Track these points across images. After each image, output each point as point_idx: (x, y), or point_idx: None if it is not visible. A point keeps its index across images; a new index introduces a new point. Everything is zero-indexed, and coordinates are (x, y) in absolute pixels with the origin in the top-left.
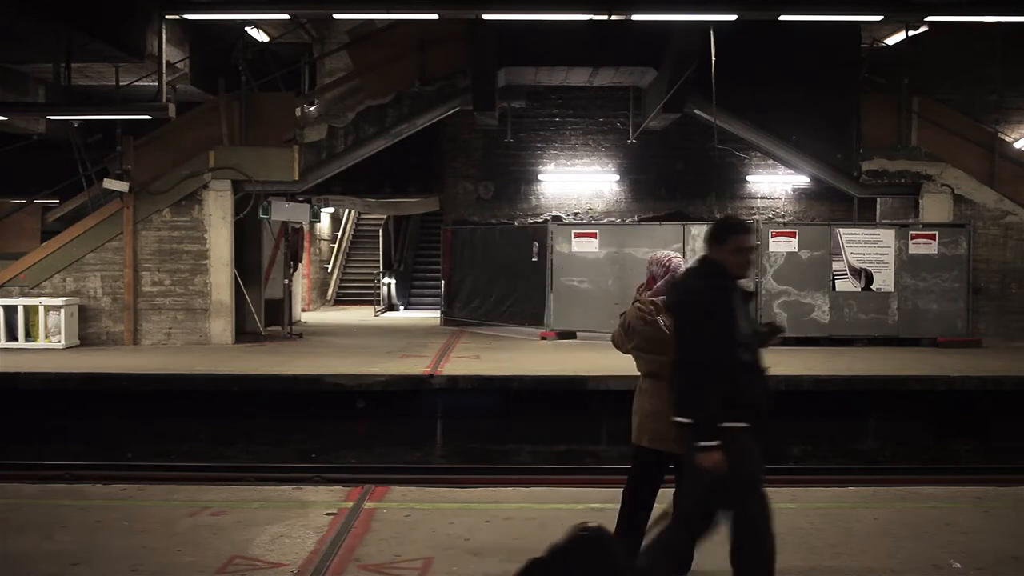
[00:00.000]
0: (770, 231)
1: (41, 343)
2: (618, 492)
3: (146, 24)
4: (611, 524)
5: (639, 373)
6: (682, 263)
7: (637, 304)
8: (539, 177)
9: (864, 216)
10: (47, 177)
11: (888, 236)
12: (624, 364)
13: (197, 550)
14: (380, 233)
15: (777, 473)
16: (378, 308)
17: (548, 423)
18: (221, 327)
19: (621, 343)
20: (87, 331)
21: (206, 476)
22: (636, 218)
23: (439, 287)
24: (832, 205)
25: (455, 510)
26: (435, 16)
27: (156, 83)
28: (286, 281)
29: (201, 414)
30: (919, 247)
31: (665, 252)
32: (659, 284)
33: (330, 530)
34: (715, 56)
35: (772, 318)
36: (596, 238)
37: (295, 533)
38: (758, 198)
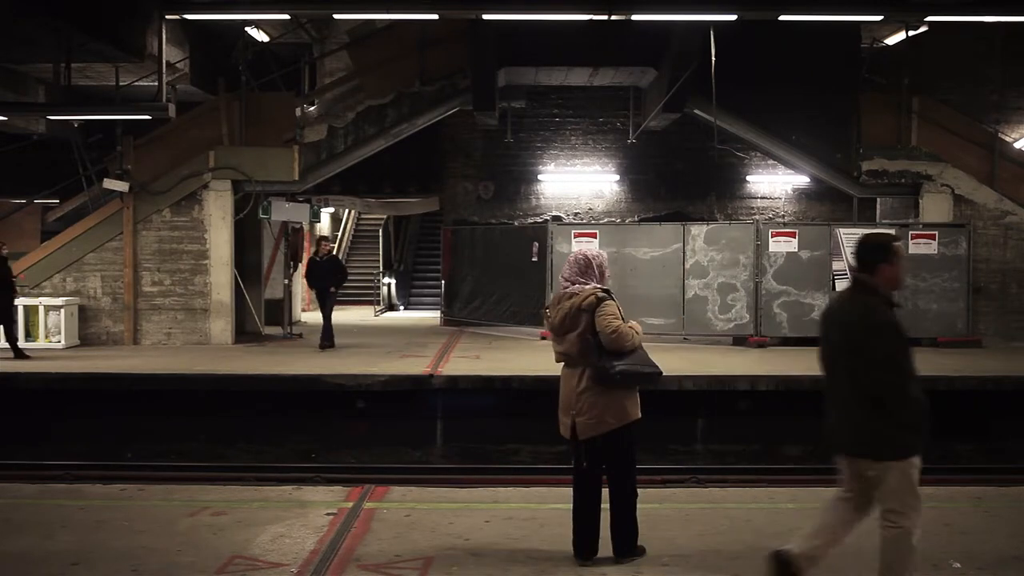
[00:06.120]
0: (770, 231)
1: (41, 343)
2: None
3: (146, 24)
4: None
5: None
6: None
7: (600, 296)
8: (539, 177)
9: (864, 216)
10: (47, 177)
11: None
12: None
13: (197, 550)
14: (380, 233)
15: (777, 473)
16: (378, 308)
17: (548, 423)
18: (221, 327)
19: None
20: (87, 331)
21: (206, 476)
22: (636, 218)
23: (439, 287)
24: (832, 205)
25: (455, 510)
26: (435, 16)
27: (156, 83)
28: (286, 281)
29: (201, 414)
30: (919, 247)
31: (589, 247)
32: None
33: (330, 530)
34: (715, 56)
35: (772, 318)
36: (596, 238)
37: (295, 533)
38: (758, 198)
